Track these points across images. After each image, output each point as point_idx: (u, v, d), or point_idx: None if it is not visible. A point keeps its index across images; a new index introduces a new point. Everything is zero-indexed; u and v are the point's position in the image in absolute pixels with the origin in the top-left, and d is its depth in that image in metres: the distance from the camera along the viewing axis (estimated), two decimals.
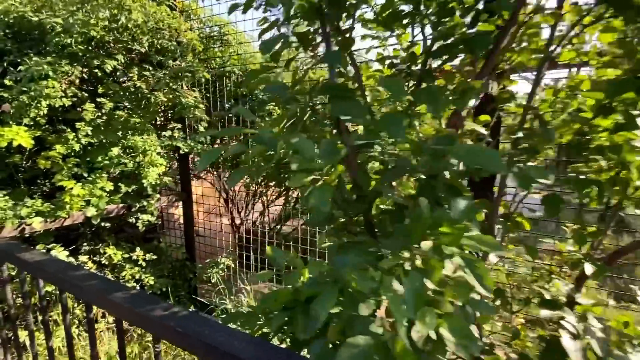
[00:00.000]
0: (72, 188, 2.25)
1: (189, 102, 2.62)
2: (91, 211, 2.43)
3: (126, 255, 2.93)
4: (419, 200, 0.70)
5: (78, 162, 2.51)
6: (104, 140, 2.59)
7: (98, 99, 2.54)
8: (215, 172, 4.93)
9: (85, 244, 2.94)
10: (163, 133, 2.97)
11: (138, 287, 3.00)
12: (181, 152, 2.92)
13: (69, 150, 2.38)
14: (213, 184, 5.40)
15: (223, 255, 3.37)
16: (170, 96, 2.63)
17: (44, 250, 2.45)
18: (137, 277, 2.94)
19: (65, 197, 2.25)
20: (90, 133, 2.47)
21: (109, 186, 2.44)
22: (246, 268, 3.84)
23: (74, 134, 2.42)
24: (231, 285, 3.23)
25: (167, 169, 2.99)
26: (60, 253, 2.47)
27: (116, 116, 2.63)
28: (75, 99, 2.54)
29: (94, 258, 2.91)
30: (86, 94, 2.66)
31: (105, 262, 2.89)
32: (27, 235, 2.31)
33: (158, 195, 2.83)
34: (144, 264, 2.97)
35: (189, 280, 3.36)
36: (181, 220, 4.24)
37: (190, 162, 3.25)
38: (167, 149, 2.95)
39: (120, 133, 2.63)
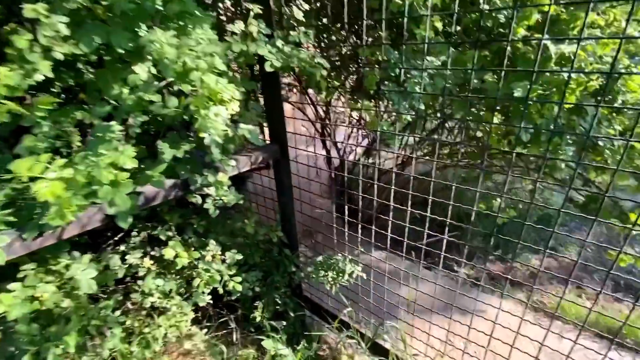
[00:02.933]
0: (41, 179, 0.94)
1: None
2: (114, 207, 1.17)
3: (197, 255, 1.79)
4: None
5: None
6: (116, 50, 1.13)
7: None
8: (301, 90, 3.36)
9: (136, 229, 1.86)
10: (228, 26, 1.39)
11: (221, 291, 1.94)
12: (267, 67, 1.36)
13: (27, 79, 1.02)
14: (300, 108, 3.90)
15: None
16: None
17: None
18: (217, 282, 1.84)
19: (36, 188, 0.97)
20: (66, 32, 1.03)
21: (129, 160, 1.08)
22: (342, 226, 2.58)
23: (29, 36, 1.00)
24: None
25: (243, 104, 1.51)
26: (85, 271, 1.37)
27: None
28: None
29: (152, 252, 1.85)
30: None
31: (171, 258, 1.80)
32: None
33: (233, 162, 1.44)
34: (223, 267, 1.82)
35: (289, 274, 2.21)
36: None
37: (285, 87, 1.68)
38: (239, 62, 1.42)
39: (138, 30, 1.13)
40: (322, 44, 2.61)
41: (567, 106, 1.56)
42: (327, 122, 3.70)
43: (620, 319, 2.56)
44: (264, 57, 1.37)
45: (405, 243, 1.71)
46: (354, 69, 2.33)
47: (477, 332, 1.61)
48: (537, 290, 2.89)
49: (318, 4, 1.64)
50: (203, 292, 1.86)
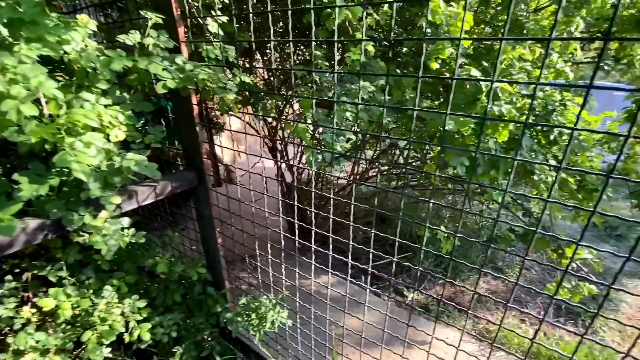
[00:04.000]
0: None
1: None
2: None
3: (88, 303, 1.50)
4: None
5: None
6: None
7: None
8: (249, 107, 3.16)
9: (17, 269, 1.54)
10: (120, 37, 1.16)
11: (127, 339, 1.64)
12: (159, 88, 1.15)
13: None
14: (249, 123, 3.70)
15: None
16: None
17: None
18: (115, 334, 1.55)
19: None
20: None
21: None
22: (300, 252, 2.39)
23: None
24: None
25: (142, 127, 1.27)
26: None
27: None
28: None
29: (34, 299, 1.53)
30: None
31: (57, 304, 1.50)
32: None
33: (118, 199, 1.19)
34: (121, 317, 1.54)
35: (215, 315, 1.96)
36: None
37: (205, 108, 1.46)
38: (131, 80, 1.20)
39: None
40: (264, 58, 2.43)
41: (501, 139, 1.48)
42: (277, 137, 3.51)
43: (561, 347, 2.54)
44: (160, 77, 1.16)
45: (349, 269, 1.53)
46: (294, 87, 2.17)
47: None
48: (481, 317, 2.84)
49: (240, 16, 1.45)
50: (101, 344, 1.57)
